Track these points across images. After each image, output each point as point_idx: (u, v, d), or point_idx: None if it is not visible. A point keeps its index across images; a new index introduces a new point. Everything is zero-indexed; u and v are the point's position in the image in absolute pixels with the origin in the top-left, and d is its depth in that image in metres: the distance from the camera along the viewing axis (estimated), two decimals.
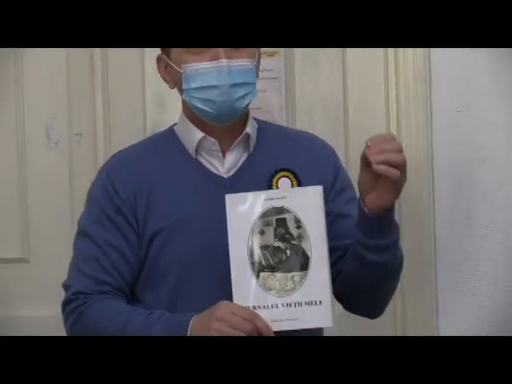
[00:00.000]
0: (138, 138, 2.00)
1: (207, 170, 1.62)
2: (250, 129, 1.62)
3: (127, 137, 2.07)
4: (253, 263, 1.47)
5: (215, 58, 1.55)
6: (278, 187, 1.58)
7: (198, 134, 1.61)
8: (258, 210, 1.48)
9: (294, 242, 1.47)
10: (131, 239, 1.59)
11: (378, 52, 2.18)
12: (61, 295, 1.90)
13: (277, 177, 1.58)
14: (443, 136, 2.13)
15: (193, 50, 1.56)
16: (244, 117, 1.63)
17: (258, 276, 1.47)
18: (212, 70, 1.55)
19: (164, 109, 2.22)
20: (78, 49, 2.21)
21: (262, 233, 1.48)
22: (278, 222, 1.48)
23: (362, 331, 2.02)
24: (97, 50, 2.23)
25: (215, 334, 1.43)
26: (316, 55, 2.20)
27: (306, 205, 1.48)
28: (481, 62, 2.08)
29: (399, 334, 2.18)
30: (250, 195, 1.50)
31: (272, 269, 1.47)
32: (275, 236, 1.48)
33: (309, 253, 1.46)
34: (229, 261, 1.49)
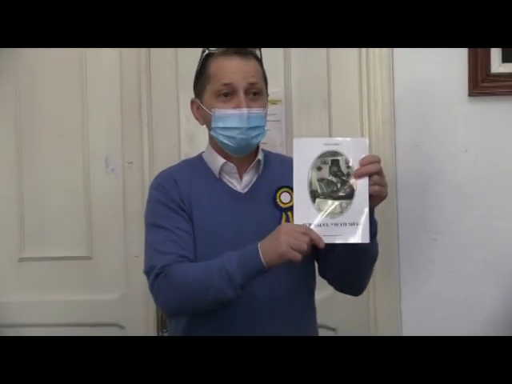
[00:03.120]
0: None
1: (228, 187, 1.79)
2: (261, 156, 1.81)
3: (166, 164, 2.08)
4: (311, 191, 1.65)
5: (238, 105, 1.72)
6: (280, 200, 1.79)
7: (221, 161, 1.79)
8: (318, 151, 1.66)
9: (344, 178, 1.65)
10: (191, 225, 1.75)
11: (355, 102, 2.40)
12: (115, 284, 2.47)
13: (279, 192, 1.79)
14: (405, 164, 2.35)
15: (221, 98, 1.73)
16: (255, 148, 1.81)
17: (314, 201, 1.65)
18: (235, 115, 1.72)
19: (194, 143, 2.43)
20: (130, 98, 2.47)
21: (320, 169, 1.65)
22: (332, 162, 1.66)
23: (343, 312, 2.38)
24: (144, 99, 2.46)
25: (284, 246, 1.58)
26: (309, 104, 2.43)
27: (355, 151, 1.65)
28: (434, 110, 2.32)
29: (371, 313, 2.39)
30: (313, 140, 1.69)
31: (325, 196, 1.65)
32: (330, 172, 1.65)
33: (354, 186, 1.65)
34: None
